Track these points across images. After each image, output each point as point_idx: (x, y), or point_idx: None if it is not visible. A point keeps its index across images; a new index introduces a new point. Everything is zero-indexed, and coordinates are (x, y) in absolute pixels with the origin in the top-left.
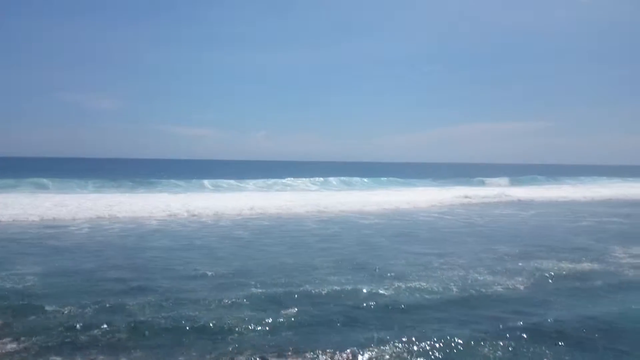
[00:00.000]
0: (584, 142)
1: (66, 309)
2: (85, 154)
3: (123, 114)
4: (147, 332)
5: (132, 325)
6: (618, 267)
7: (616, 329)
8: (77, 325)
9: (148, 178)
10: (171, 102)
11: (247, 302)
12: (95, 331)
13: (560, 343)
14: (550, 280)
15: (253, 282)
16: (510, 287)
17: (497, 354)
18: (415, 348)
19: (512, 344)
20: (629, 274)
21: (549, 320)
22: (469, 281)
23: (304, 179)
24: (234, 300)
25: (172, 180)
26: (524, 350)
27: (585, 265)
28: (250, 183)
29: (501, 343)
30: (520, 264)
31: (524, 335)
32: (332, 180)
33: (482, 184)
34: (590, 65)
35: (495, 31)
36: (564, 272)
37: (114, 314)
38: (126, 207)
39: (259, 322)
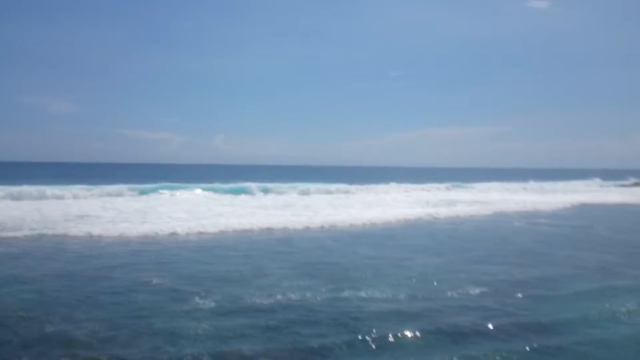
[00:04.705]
0: (540, 147)
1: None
2: (43, 158)
3: (82, 117)
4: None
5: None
6: None
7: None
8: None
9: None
10: (131, 106)
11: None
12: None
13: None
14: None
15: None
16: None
17: None
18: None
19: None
20: None
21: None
22: None
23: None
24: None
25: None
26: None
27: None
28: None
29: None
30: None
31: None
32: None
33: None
34: (547, 72)
35: (457, 39)
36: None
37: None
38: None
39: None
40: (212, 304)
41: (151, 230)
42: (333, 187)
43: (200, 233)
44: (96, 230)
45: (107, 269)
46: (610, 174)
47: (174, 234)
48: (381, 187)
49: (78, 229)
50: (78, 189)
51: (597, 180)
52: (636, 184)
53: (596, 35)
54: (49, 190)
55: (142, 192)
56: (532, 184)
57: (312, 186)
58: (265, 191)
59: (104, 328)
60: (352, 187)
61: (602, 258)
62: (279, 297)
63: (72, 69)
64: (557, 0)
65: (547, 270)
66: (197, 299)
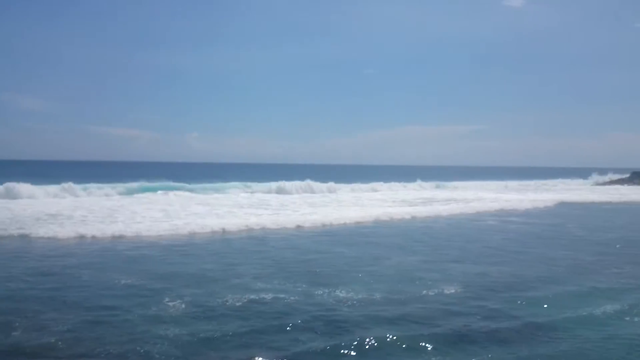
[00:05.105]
0: (512, 145)
1: None
2: (10, 156)
3: (51, 114)
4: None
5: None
6: None
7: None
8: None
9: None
10: (99, 102)
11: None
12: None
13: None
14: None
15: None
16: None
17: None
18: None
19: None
20: None
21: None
22: None
23: None
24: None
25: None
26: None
27: None
28: None
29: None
30: None
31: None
32: None
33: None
34: (520, 71)
35: (432, 38)
36: None
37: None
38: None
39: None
40: (183, 306)
41: (122, 230)
42: (310, 185)
43: (174, 233)
44: (66, 230)
45: (75, 270)
46: (587, 173)
47: (146, 233)
48: (359, 185)
49: (48, 229)
50: (49, 187)
51: (575, 179)
52: (611, 182)
53: (571, 34)
54: (21, 187)
55: (116, 191)
56: (509, 182)
57: (289, 184)
58: (242, 190)
59: (71, 330)
60: (330, 186)
61: (575, 257)
62: (252, 297)
63: (38, 64)
64: None
65: (521, 269)
66: (167, 300)
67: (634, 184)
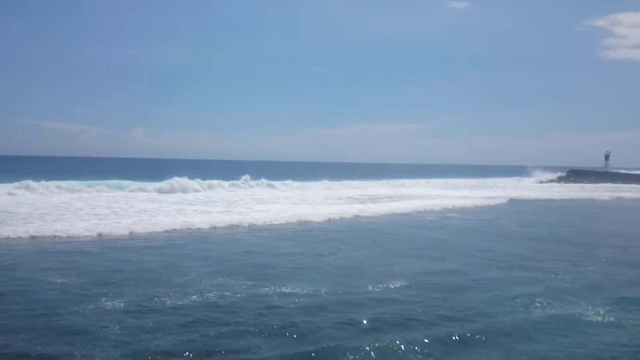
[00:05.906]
0: (458, 144)
1: None
2: None
3: None
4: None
5: None
6: None
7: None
8: None
9: None
10: (42, 96)
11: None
12: None
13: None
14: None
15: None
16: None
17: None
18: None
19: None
20: None
21: None
22: None
23: None
24: None
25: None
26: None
27: None
28: None
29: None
30: None
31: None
32: None
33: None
34: (468, 71)
35: (381, 37)
36: None
37: None
38: None
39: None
40: (122, 305)
41: (64, 228)
42: (260, 182)
43: (118, 231)
44: (5, 228)
45: (9, 269)
46: (528, 171)
47: (88, 232)
48: (309, 183)
49: None
50: None
51: (517, 177)
52: (551, 180)
53: (513, 36)
54: None
55: (61, 188)
56: (453, 180)
57: (236, 182)
58: (189, 187)
59: (3, 332)
60: (280, 183)
61: (513, 252)
62: (194, 297)
63: None
64: (475, 1)
65: (462, 266)
66: (103, 299)
67: (571, 181)
